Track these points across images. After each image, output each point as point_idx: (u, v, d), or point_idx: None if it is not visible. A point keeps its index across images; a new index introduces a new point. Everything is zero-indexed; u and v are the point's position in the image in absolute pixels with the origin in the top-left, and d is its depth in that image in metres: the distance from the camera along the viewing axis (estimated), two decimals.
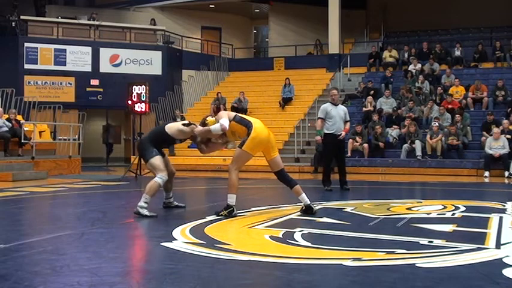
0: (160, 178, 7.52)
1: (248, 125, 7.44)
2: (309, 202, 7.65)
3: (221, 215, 7.30)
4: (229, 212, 7.34)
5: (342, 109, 11.73)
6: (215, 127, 7.41)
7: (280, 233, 6.10)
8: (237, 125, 7.51)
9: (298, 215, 7.54)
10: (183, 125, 7.67)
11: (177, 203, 8.35)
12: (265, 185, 13.18)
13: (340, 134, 11.54)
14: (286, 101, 23.34)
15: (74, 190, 12.34)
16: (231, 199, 7.41)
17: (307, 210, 7.63)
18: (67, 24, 24.30)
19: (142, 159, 8.04)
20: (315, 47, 28.95)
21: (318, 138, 11.99)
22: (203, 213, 7.58)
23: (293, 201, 8.20)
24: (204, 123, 7.65)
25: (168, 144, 8.24)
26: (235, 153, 7.55)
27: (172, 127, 7.74)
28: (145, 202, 7.43)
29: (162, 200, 8.39)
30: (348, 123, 11.96)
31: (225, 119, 7.39)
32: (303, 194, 7.66)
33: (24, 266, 4.69)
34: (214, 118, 7.64)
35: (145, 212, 7.38)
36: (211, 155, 19.68)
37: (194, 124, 7.66)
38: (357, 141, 18.41)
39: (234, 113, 7.75)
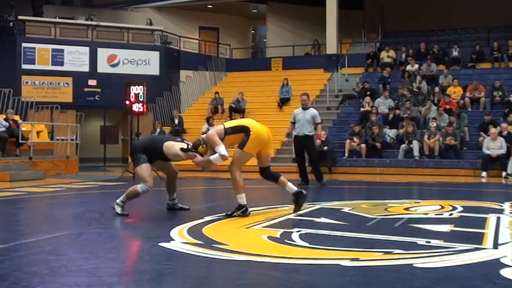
0: (141, 188, 7.46)
1: (244, 130, 7.41)
2: (296, 189, 7.76)
3: (235, 216, 7.29)
4: (243, 212, 7.35)
5: (309, 113, 12.57)
6: (215, 158, 7.22)
7: (277, 233, 6.10)
8: (231, 137, 7.43)
9: (297, 215, 7.54)
10: (181, 149, 7.32)
11: (181, 205, 8.18)
12: (262, 185, 13.15)
13: (305, 135, 12.55)
14: (284, 102, 23.33)
15: (72, 190, 12.34)
16: (241, 199, 7.40)
17: (298, 196, 7.72)
18: (64, 25, 24.28)
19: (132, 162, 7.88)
20: (313, 47, 28.96)
21: (284, 139, 13.95)
22: (201, 214, 7.58)
23: (290, 201, 8.19)
24: (196, 150, 7.34)
25: (157, 159, 7.86)
26: (236, 154, 7.50)
27: (170, 148, 7.40)
28: (122, 201, 7.52)
29: (166, 201, 8.28)
30: (319, 126, 12.85)
31: (220, 146, 7.20)
32: (289, 183, 7.77)
33: (22, 266, 4.69)
34: (205, 146, 7.35)
35: (118, 209, 7.48)
36: None
37: (193, 152, 7.32)
38: (354, 142, 18.42)
39: (222, 127, 7.48)
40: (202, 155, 7.37)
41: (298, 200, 7.75)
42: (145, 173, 7.47)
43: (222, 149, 7.21)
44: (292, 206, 7.91)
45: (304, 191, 7.82)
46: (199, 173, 17.65)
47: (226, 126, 7.51)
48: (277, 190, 11.43)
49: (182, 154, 7.34)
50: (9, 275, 4.34)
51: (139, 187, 7.48)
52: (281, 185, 7.83)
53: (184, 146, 7.37)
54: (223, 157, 7.21)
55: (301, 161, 12.99)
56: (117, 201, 7.55)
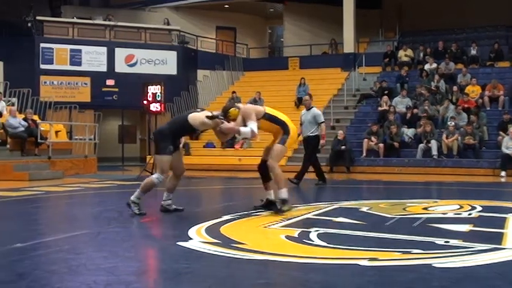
0: (157, 179, 7.38)
1: (282, 124, 7.51)
2: (273, 198, 7.77)
3: (283, 211, 7.39)
4: (289, 206, 7.49)
5: (311, 113, 12.60)
6: (245, 131, 7.26)
7: (296, 232, 6.10)
8: (266, 123, 7.53)
9: (315, 214, 7.53)
10: (207, 117, 7.35)
11: (175, 207, 7.85)
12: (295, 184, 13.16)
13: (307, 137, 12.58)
14: (301, 101, 23.17)
15: (90, 190, 12.40)
16: (284, 193, 7.52)
17: (270, 205, 7.76)
18: (82, 25, 24.41)
19: (155, 148, 7.71)
20: (330, 47, 28.82)
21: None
22: (219, 213, 7.57)
23: (308, 201, 8.19)
24: (226, 114, 7.43)
25: (188, 134, 7.89)
26: (277, 150, 7.56)
27: (196, 119, 7.39)
28: (138, 198, 7.40)
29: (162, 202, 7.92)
30: (323, 125, 12.73)
31: (254, 123, 7.25)
32: (271, 192, 7.80)
33: (41, 265, 4.72)
34: (237, 110, 7.42)
35: (135, 209, 7.36)
36: (227, 154, 19.76)
37: (220, 118, 7.35)
38: (372, 141, 18.35)
39: (262, 109, 7.60)
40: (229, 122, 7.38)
41: (267, 207, 7.80)
42: (166, 164, 7.40)
43: (255, 125, 7.26)
44: (310, 206, 7.89)
45: (280, 206, 7.70)
46: (216, 172, 17.68)
47: (266, 111, 7.58)
48: (293, 190, 11.43)
49: (209, 121, 7.35)
50: (29, 273, 4.37)
51: (155, 178, 7.41)
52: (267, 187, 7.89)
53: (209, 113, 7.42)
54: (252, 133, 7.26)
55: (314, 160, 12.94)
56: (133, 198, 7.44)
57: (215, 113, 7.45)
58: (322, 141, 12.77)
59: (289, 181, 12.01)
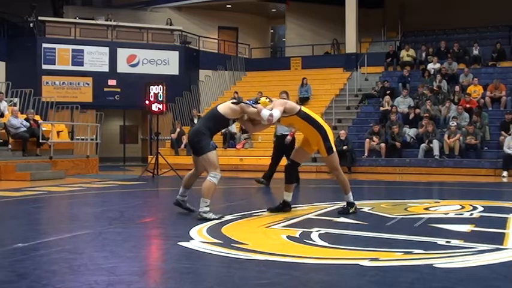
0: (214, 177, 7.17)
1: (319, 127, 7.43)
2: (289, 200, 7.84)
3: (351, 213, 7.53)
4: (355, 208, 7.65)
5: None
6: (264, 114, 7.13)
7: (297, 232, 6.09)
8: (300, 121, 7.43)
9: (316, 215, 7.53)
10: (232, 103, 7.35)
11: (189, 205, 7.80)
12: (281, 185, 13.14)
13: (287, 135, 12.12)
14: (303, 101, 23.20)
15: (92, 190, 12.39)
16: (350, 198, 7.65)
17: (285, 206, 7.81)
18: (84, 25, 24.48)
19: (195, 151, 7.44)
20: (332, 47, 28.86)
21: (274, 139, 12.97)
22: (220, 213, 7.56)
23: (310, 201, 8.18)
24: (256, 102, 7.36)
25: (223, 127, 7.74)
26: (330, 161, 7.63)
27: (225, 107, 7.33)
28: (207, 206, 7.08)
29: (182, 198, 7.96)
30: None
31: (277, 110, 7.15)
32: (290, 194, 7.87)
33: (42, 264, 4.72)
34: (268, 100, 7.36)
35: (210, 215, 7.03)
36: (229, 154, 19.75)
37: (245, 103, 7.33)
38: (374, 141, 18.34)
39: (298, 107, 7.49)
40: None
41: (282, 207, 7.80)
42: (216, 160, 7.28)
43: (276, 113, 7.12)
44: (311, 206, 7.88)
45: (288, 208, 7.86)
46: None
47: (302, 109, 7.51)
48: (295, 190, 11.42)
49: (236, 107, 7.35)
50: (30, 273, 4.37)
51: (213, 179, 7.17)
52: (288, 189, 7.89)
53: (234, 100, 7.48)
54: (269, 117, 7.10)
55: (276, 160, 12.41)
56: (201, 210, 7.09)
57: (241, 99, 7.49)
58: (288, 137, 12.32)
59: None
